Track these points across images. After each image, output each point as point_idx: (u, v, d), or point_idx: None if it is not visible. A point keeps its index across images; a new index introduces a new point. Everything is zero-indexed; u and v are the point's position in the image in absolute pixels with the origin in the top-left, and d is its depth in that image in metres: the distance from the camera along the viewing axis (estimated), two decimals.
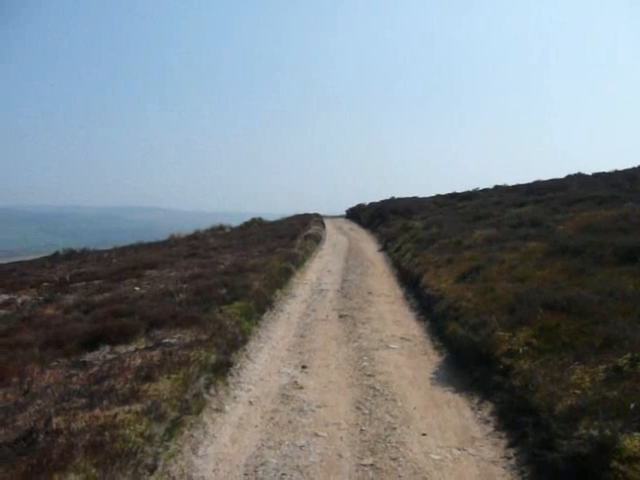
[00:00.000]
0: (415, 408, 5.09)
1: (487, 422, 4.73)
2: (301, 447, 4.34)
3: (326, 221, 32.67)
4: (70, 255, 22.63)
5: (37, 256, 28.73)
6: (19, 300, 11.81)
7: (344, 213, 43.26)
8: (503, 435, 4.44)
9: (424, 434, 4.54)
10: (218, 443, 4.43)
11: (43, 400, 4.70)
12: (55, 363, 6.01)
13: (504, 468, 3.97)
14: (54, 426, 3.86)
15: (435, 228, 17.05)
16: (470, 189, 31.12)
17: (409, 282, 11.48)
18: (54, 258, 22.58)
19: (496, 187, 30.21)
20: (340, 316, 8.92)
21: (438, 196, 32.19)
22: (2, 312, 10.53)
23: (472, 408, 5.06)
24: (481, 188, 31.10)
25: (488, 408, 4.95)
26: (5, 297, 12.35)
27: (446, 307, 7.77)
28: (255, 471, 3.97)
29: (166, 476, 3.74)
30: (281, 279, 11.51)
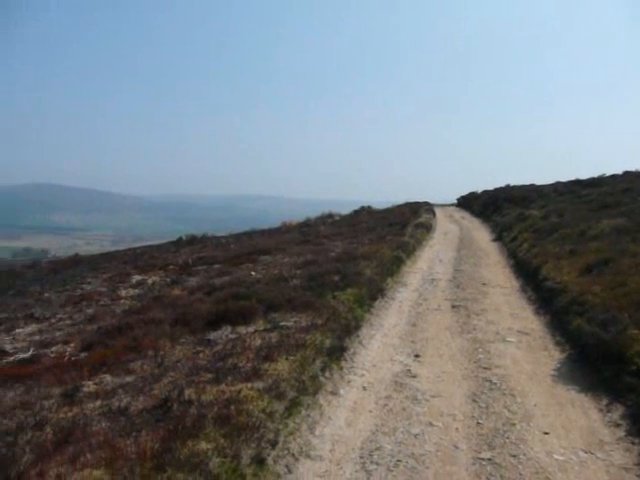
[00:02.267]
0: (535, 405, 4.87)
1: (618, 426, 4.41)
2: (416, 435, 4.33)
3: (436, 209, 31.95)
4: (192, 241, 24.22)
5: (163, 241, 31.12)
6: (149, 281, 12.90)
7: (455, 201, 42.03)
8: (637, 441, 4.12)
9: (546, 433, 4.34)
10: (334, 425, 4.55)
11: (175, 373, 5.11)
12: (183, 340, 6.50)
13: (638, 476, 3.68)
14: (186, 397, 4.20)
15: (555, 217, 16.05)
16: (595, 175, 28.82)
17: (526, 274, 10.93)
18: (178, 243, 24.30)
19: (625, 173, 27.69)
20: (453, 306, 8.72)
21: (558, 183, 30.17)
22: (136, 291, 11.58)
23: (600, 409, 4.74)
24: (608, 174, 28.67)
25: (619, 411, 4.60)
26: (138, 278, 13.56)
27: (569, 301, 7.31)
28: (370, 455, 4.03)
29: (286, 452, 3.92)
30: (392, 267, 11.47)
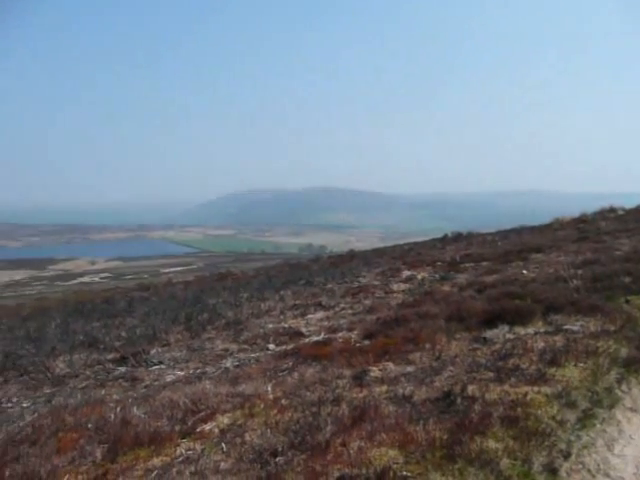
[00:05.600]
0: None
1: None
2: None
3: None
4: (457, 237, 24.17)
5: (426, 238, 31.81)
6: (419, 276, 13.32)
7: None
8: None
9: None
10: (636, 446, 4.02)
11: (454, 367, 5.19)
12: (458, 336, 6.54)
13: None
14: (469, 393, 4.22)
15: None
16: None
17: None
18: (443, 240, 24.52)
19: None
20: None
21: None
22: (407, 286, 12.09)
23: None
24: None
25: None
26: (407, 273, 14.13)
27: None
28: None
29: (580, 466, 3.61)
30: None
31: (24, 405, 6.23)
